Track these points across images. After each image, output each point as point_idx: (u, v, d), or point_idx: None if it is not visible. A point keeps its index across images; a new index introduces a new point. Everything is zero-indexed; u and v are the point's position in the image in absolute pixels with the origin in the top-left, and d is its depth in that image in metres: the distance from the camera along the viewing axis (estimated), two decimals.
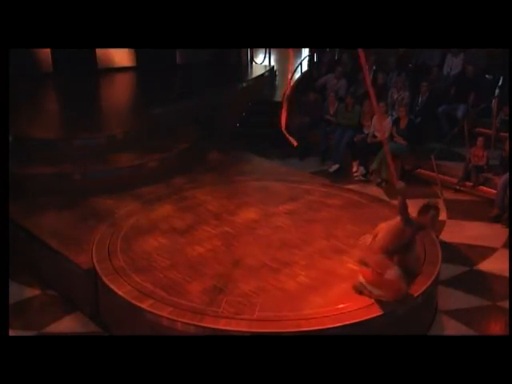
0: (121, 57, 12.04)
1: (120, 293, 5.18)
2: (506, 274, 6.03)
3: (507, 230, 7.10)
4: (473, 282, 6.13)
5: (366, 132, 9.11)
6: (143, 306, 4.99)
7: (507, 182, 7.23)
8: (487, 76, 9.95)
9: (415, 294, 5.06)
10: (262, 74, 12.29)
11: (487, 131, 8.84)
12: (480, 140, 8.09)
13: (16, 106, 8.92)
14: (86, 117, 9.06)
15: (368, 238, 5.11)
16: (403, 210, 4.71)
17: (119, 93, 11.48)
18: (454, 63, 10.04)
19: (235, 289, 5.22)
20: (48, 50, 11.31)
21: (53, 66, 11.55)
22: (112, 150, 7.99)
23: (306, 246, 5.94)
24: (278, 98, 11.43)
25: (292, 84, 6.12)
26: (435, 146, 8.70)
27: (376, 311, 4.85)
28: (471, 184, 8.13)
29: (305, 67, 12.59)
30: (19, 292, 5.98)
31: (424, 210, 4.75)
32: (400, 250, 4.81)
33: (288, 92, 6.14)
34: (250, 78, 12.14)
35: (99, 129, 8.53)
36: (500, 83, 9.79)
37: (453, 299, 5.83)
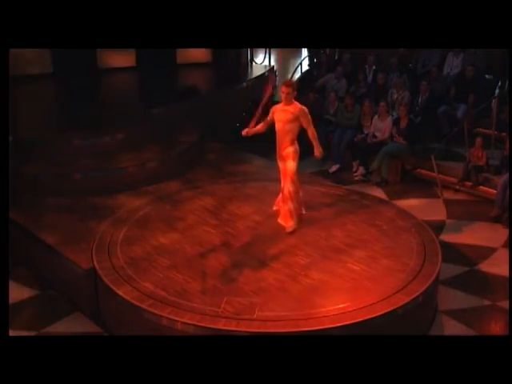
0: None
1: (120, 293, 5.18)
2: (506, 273, 6.03)
3: (507, 230, 7.10)
4: (473, 282, 6.13)
5: (366, 132, 9.10)
6: (143, 306, 4.99)
7: (507, 182, 7.23)
8: (487, 76, 9.95)
9: (415, 294, 5.07)
10: (262, 74, 12.29)
11: (487, 131, 8.83)
12: (478, 140, 8.08)
13: (16, 106, 8.93)
14: (86, 117, 9.05)
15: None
16: None
17: (119, 93, 11.46)
18: (454, 63, 10.04)
19: (235, 289, 5.22)
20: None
21: (53, 65, 11.54)
22: (112, 150, 7.98)
23: (306, 245, 5.94)
24: (278, 98, 11.43)
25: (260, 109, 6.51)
26: (435, 146, 8.70)
27: (376, 311, 4.85)
28: (471, 184, 8.13)
29: (305, 67, 12.61)
30: (19, 292, 5.97)
31: None
32: None
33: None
34: (250, 78, 12.12)
35: (99, 129, 8.51)
36: (500, 83, 9.79)
37: (453, 299, 5.83)
